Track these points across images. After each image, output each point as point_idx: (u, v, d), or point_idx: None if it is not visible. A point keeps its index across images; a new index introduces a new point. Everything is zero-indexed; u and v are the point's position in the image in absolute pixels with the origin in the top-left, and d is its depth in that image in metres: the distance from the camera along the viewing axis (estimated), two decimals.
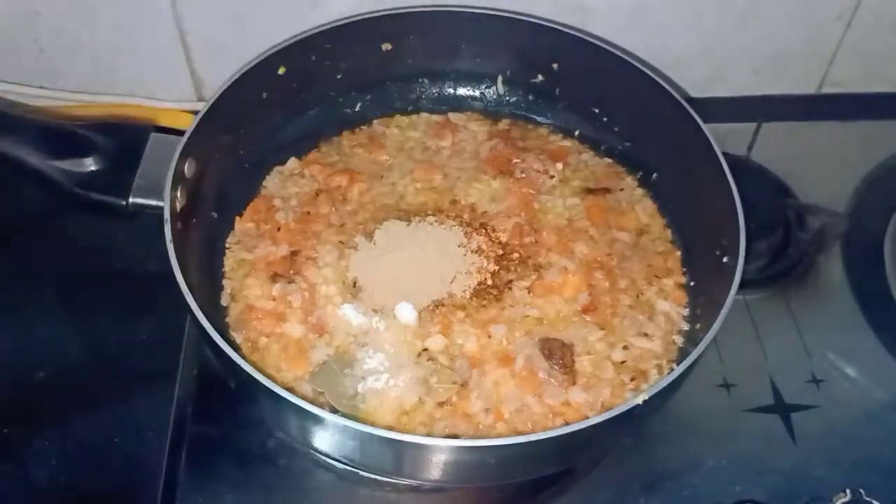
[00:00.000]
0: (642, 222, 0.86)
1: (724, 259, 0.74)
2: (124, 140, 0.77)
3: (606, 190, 0.88)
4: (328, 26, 0.86)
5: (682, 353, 0.75)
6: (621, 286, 0.80)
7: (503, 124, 0.94)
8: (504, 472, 0.69)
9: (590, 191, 0.88)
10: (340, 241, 0.82)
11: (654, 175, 0.88)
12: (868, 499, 0.71)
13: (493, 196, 0.87)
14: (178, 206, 0.73)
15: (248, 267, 0.80)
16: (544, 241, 0.83)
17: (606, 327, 0.77)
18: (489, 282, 0.79)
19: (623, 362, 0.74)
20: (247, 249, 0.81)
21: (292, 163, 0.88)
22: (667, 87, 0.83)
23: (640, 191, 0.88)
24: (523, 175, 0.88)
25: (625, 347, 0.75)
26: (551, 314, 0.77)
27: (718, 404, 0.80)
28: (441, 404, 0.71)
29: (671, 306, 0.79)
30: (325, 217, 0.83)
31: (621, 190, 0.88)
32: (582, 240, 0.83)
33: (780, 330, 0.86)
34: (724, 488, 0.73)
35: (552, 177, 0.88)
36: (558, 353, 0.74)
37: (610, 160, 0.91)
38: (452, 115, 0.95)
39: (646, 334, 0.76)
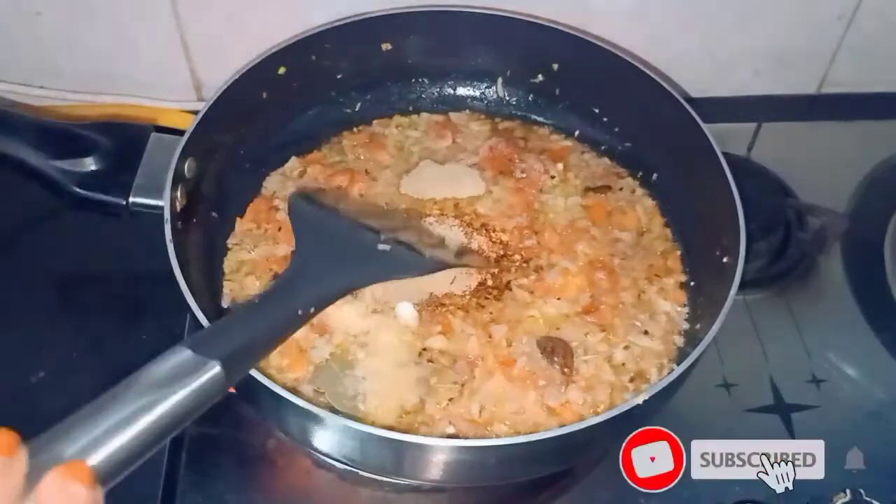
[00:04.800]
0: (642, 222, 0.86)
1: (724, 259, 0.74)
2: (124, 140, 0.77)
3: (607, 188, 0.88)
4: (328, 26, 0.86)
5: (682, 353, 0.75)
6: (623, 285, 0.80)
7: (504, 124, 0.94)
8: (504, 472, 0.69)
9: (591, 189, 0.88)
10: None
11: (654, 175, 0.88)
12: (868, 499, 0.71)
13: (494, 196, 0.86)
14: (178, 206, 0.73)
15: (249, 267, 0.80)
16: (546, 243, 0.82)
17: (607, 328, 0.76)
18: (490, 282, 0.79)
19: (623, 364, 0.74)
20: (247, 249, 0.81)
21: (293, 163, 0.88)
22: (667, 87, 0.83)
23: (640, 191, 0.88)
24: (524, 175, 0.88)
25: (626, 347, 0.75)
26: (552, 314, 0.77)
27: (718, 404, 0.80)
28: (441, 404, 0.71)
29: (672, 306, 0.79)
30: None
31: (620, 189, 0.88)
32: (584, 240, 0.83)
33: (780, 330, 0.86)
34: (724, 488, 0.73)
35: (553, 177, 0.88)
36: (560, 354, 0.74)
37: (610, 160, 0.91)
38: (453, 115, 0.95)
39: (646, 332, 0.76)
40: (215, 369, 0.43)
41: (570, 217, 0.85)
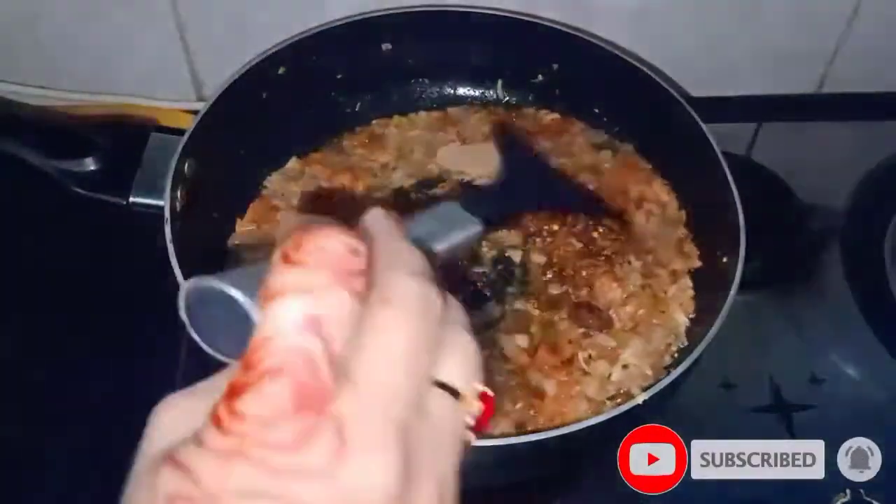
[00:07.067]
0: (656, 189, 0.85)
1: (724, 259, 0.74)
2: (124, 140, 0.77)
3: (615, 147, 0.89)
4: (327, 26, 0.86)
5: (683, 353, 0.75)
6: (647, 283, 0.79)
7: (497, 114, 0.94)
8: (504, 472, 0.68)
9: (599, 147, 0.88)
10: None
11: None
12: (868, 499, 0.71)
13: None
14: (179, 206, 0.73)
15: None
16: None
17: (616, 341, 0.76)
18: None
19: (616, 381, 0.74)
20: (248, 250, 0.81)
21: (293, 163, 0.88)
22: (667, 86, 0.83)
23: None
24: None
25: (624, 367, 0.74)
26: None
27: (718, 404, 0.80)
28: None
29: (684, 319, 0.77)
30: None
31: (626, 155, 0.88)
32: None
33: (780, 330, 0.86)
34: (724, 488, 0.73)
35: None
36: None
37: (606, 135, 0.91)
38: (451, 110, 0.94)
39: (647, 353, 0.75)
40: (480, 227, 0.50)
41: (614, 175, 0.85)
